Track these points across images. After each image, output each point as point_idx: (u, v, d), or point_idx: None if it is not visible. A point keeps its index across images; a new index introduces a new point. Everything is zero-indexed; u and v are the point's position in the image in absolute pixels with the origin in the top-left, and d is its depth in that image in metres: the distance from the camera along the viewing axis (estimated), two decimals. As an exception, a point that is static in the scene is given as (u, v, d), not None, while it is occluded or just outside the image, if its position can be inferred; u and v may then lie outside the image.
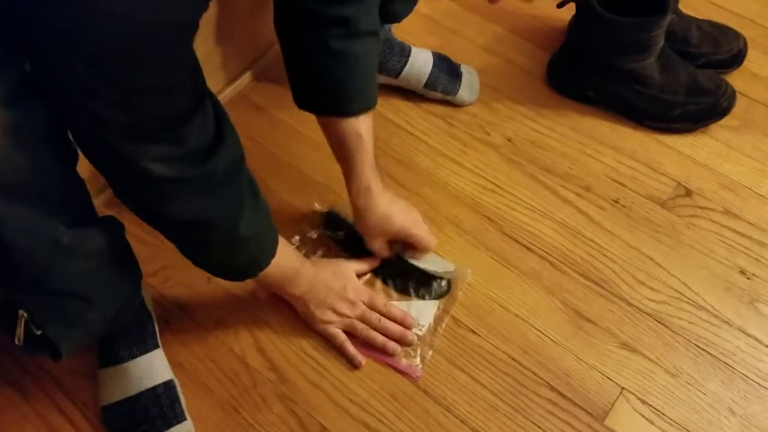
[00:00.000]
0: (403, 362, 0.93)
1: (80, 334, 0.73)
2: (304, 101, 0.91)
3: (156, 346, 0.91)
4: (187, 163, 0.65)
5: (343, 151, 0.91)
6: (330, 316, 0.93)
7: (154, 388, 0.88)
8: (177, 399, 0.89)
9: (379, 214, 0.94)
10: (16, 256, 0.61)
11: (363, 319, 0.94)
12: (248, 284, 0.99)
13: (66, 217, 0.65)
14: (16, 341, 0.67)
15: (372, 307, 0.95)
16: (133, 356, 0.89)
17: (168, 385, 0.89)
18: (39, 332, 0.67)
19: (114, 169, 0.66)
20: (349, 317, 0.93)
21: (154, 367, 0.89)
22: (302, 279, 0.89)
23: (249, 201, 0.75)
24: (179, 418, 0.88)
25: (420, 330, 0.95)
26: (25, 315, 0.65)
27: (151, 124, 0.60)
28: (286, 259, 0.86)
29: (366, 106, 0.90)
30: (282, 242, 0.84)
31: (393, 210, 0.95)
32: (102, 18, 0.50)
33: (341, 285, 0.93)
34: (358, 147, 0.90)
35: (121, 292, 0.78)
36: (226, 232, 0.74)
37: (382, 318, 0.94)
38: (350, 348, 0.93)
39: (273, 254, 0.82)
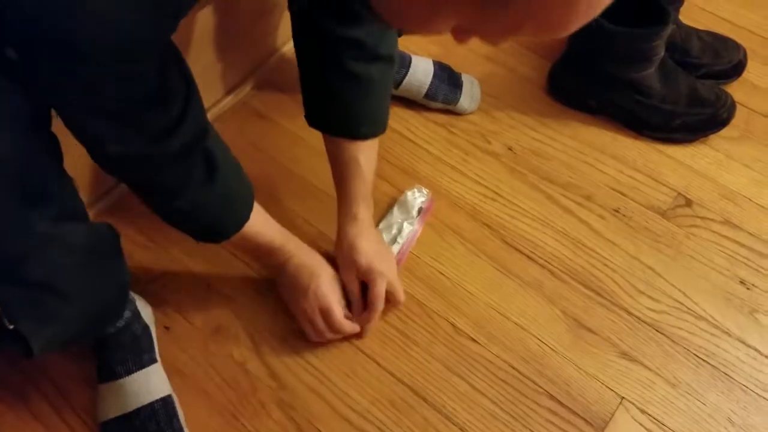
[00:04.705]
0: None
1: (54, 332, 0.71)
2: (314, 119, 0.92)
3: (153, 361, 0.90)
4: (142, 141, 0.66)
5: (339, 174, 0.93)
6: (302, 303, 0.91)
7: (152, 403, 0.88)
8: (175, 414, 0.88)
9: (353, 245, 0.92)
10: None
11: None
12: (249, 290, 1.00)
13: (46, 208, 0.64)
14: None
15: (325, 319, 0.91)
16: (129, 372, 0.88)
17: (166, 401, 0.88)
18: (11, 327, 0.65)
19: (81, 142, 0.67)
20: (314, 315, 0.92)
21: (151, 383, 0.89)
22: (280, 255, 0.90)
23: (200, 175, 0.74)
24: None
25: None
26: None
27: (114, 105, 0.61)
28: (263, 234, 0.86)
29: (374, 132, 0.91)
30: (261, 216, 0.84)
31: (368, 247, 0.92)
32: (84, 14, 0.52)
33: (315, 282, 0.91)
34: (355, 173, 0.91)
35: (104, 293, 0.78)
36: (168, 201, 0.75)
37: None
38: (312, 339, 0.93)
39: (237, 227, 0.82)
